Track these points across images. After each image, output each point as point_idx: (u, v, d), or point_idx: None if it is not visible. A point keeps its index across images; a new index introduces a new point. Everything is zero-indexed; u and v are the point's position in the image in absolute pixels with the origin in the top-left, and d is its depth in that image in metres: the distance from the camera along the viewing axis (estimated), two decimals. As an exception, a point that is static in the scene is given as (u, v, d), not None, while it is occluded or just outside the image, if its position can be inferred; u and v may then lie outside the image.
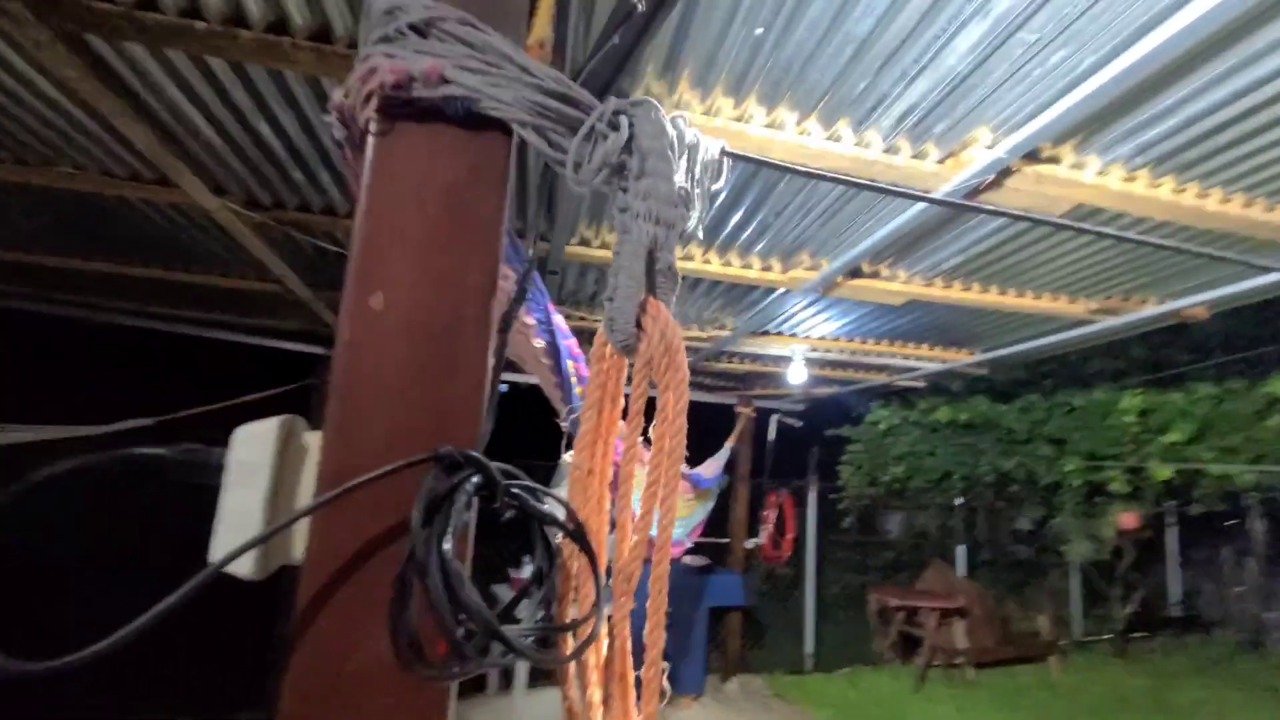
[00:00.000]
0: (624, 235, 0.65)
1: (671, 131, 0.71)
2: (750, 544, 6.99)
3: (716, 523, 7.20)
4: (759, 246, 3.17)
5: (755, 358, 5.41)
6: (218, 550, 0.58)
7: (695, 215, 0.71)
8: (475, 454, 0.58)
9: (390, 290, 0.64)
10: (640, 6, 1.03)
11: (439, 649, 0.57)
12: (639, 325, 0.65)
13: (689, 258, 3.29)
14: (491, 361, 0.65)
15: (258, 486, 0.59)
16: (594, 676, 0.64)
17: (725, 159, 0.76)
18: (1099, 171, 2.28)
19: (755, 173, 2.47)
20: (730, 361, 5.62)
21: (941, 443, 7.67)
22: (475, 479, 0.57)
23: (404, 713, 0.59)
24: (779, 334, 4.65)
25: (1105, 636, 8.13)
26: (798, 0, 1.65)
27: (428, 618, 0.54)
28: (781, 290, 3.59)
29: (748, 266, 3.38)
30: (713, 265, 3.33)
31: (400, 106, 0.66)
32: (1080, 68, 1.78)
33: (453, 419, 0.63)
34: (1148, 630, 8.18)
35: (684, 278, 3.57)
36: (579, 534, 0.64)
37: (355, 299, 0.64)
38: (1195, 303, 3.25)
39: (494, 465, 0.59)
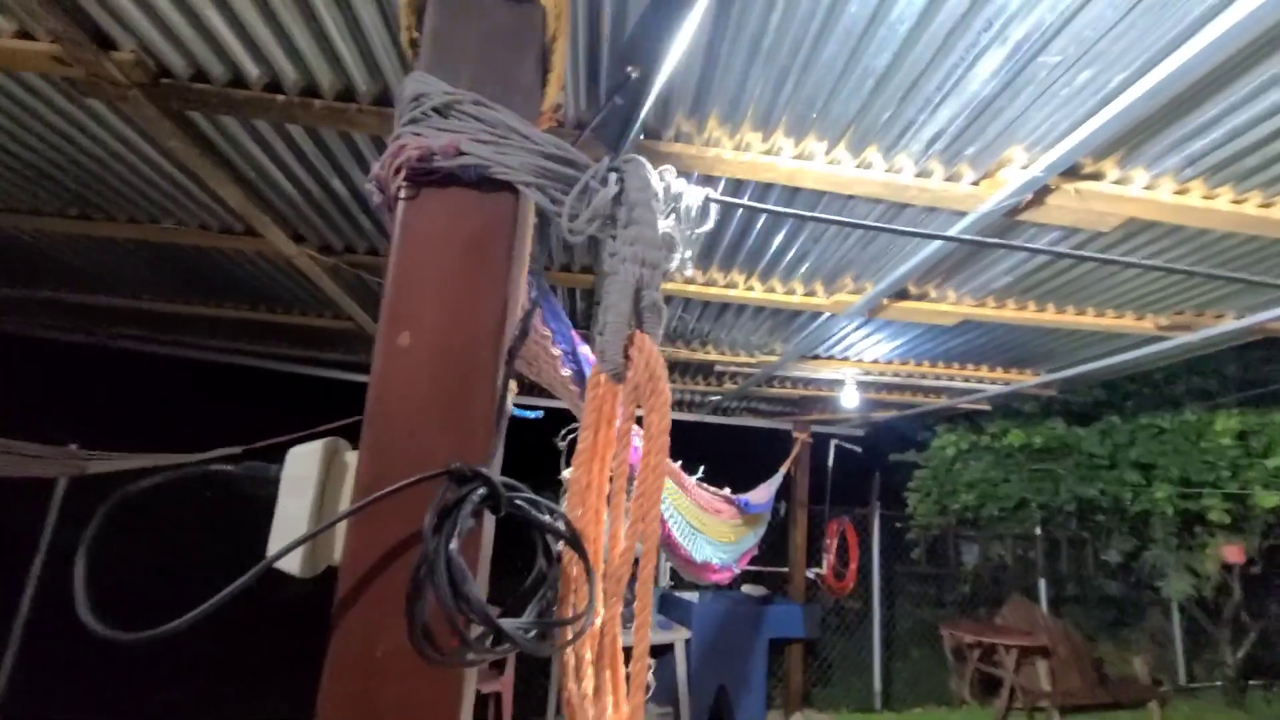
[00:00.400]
0: (613, 276, 0.74)
1: (658, 184, 0.80)
2: (811, 573, 6.82)
3: (775, 551, 7.09)
4: (801, 271, 3.20)
5: (808, 382, 5.37)
6: (272, 550, 0.69)
7: (680, 255, 0.79)
8: (482, 469, 0.67)
9: (415, 329, 0.75)
10: (634, 74, 1.14)
11: (451, 639, 0.66)
12: (626, 356, 0.74)
13: (731, 285, 3.36)
14: (501, 389, 0.75)
15: (305, 496, 0.70)
16: (588, 670, 0.72)
17: (710, 204, 0.84)
18: (1147, 185, 2.22)
19: (791, 199, 2.53)
20: (783, 386, 5.60)
21: (1015, 469, 7.30)
22: (481, 490, 0.66)
23: (425, 693, 0.68)
24: (830, 358, 4.61)
25: (1215, 683, 7.41)
26: (814, 40, 1.72)
27: (439, 611, 0.63)
28: (827, 315, 3.59)
29: (790, 292, 3.41)
30: (756, 292, 3.38)
31: (425, 175, 0.78)
32: (1110, 85, 1.77)
33: (467, 439, 0.73)
34: (1264, 677, 7.39)
35: (727, 305, 3.64)
36: (575, 541, 0.72)
37: (386, 337, 0.75)
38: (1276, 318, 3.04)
39: (499, 479, 0.68)
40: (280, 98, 2.04)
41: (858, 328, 3.94)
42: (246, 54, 1.89)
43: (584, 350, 1.39)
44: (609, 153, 0.74)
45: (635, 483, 0.73)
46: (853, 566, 7.06)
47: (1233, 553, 6.62)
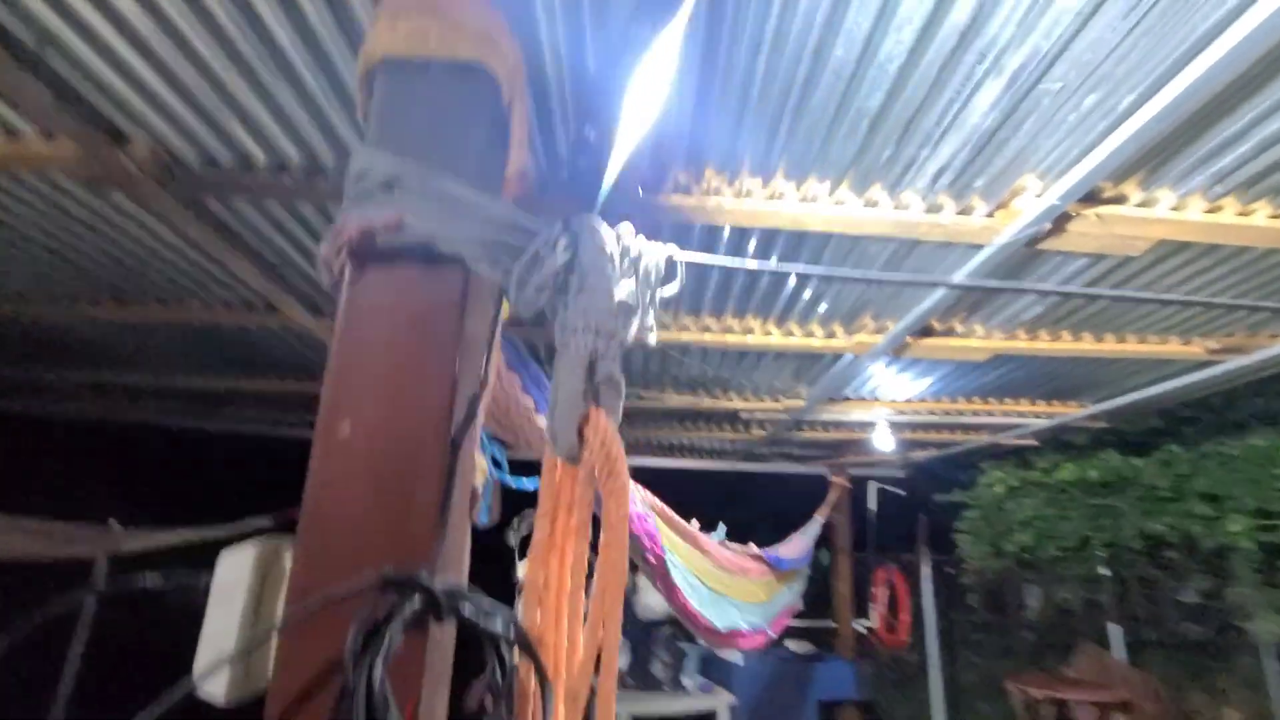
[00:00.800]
0: (563, 350, 0.68)
1: (614, 246, 0.75)
2: (860, 626, 6.45)
3: (820, 604, 6.73)
4: (818, 313, 3.12)
5: (840, 425, 5.19)
6: (197, 671, 0.63)
7: (642, 319, 0.74)
8: (418, 575, 0.61)
9: (356, 419, 0.70)
10: (591, 137, 1.12)
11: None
12: (582, 436, 0.67)
13: (748, 330, 3.29)
14: (446, 481, 0.68)
15: (234, 608, 0.64)
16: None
17: (677, 263, 0.78)
18: (1174, 205, 2.10)
19: (798, 242, 2.47)
20: (814, 430, 5.42)
21: (1072, 505, 6.86)
22: (417, 601, 0.59)
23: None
24: (860, 399, 4.46)
25: (1325, 736, 6.65)
26: (804, 85, 1.70)
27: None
28: (850, 356, 3.48)
29: (810, 335, 3.31)
30: (774, 337, 3.30)
31: (369, 254, 0.75)
32: (1119, 108, 1.69)
33: (408, 539, 0.67)
34: (1382, 729, 6.61)
35: (745, 351, 3.56)
36: (529, 650, 0.64)
37: (325, 427, 0.70)
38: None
39: (440, 584, 0.61)
40: (287, 179, 2.09)
41: (885, 367, 3.80)
42: (250, 139, 1.95)
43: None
44: (586, 214, 0.72)
45: (594, 579, 0.65)
46: (905, 617, 6.67)
47: (1328, 588, 6.04)
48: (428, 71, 0.83)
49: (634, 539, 1.46)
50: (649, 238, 0.95)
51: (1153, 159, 1.92)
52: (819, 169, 2.03)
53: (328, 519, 0.67)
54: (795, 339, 3.31)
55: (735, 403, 4.44)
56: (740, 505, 7.09)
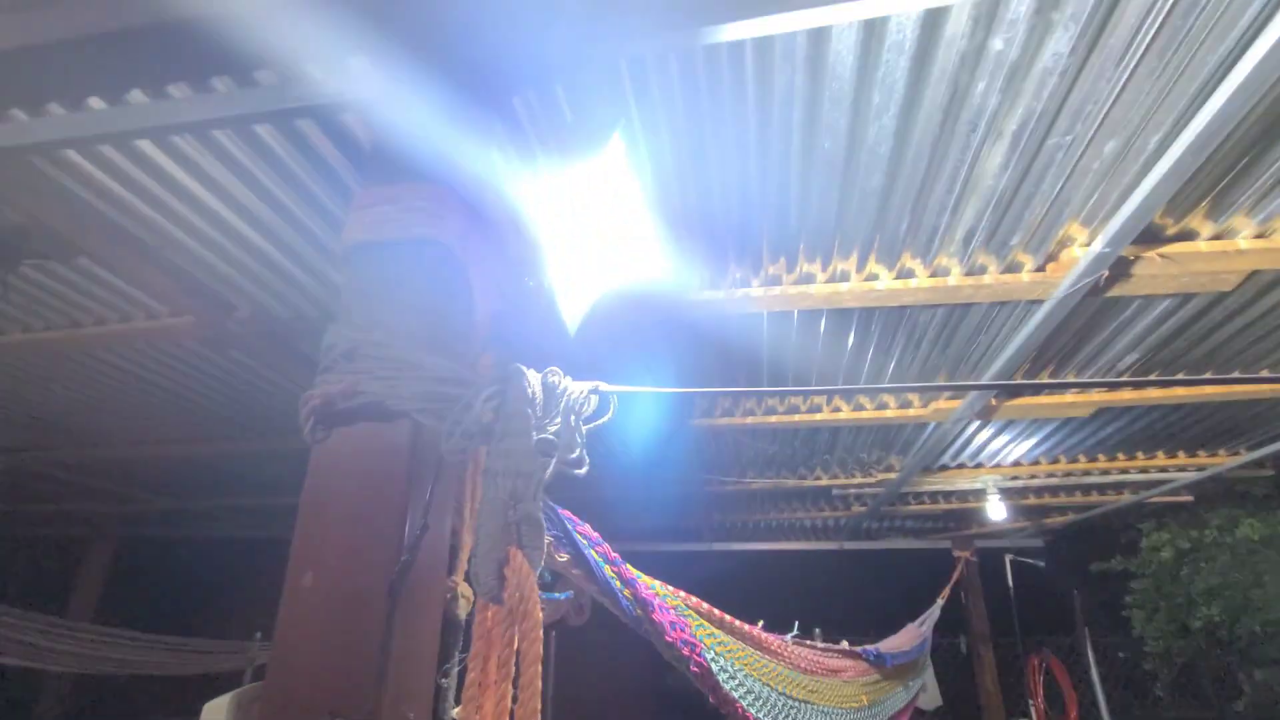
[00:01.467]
0: (486, 494, 0.74)
1: (539, 389, 0.81)
2: (1015, 726, 5.61)
3: (962, 703, 5.95)
4: (884, 382, 2.99)
5: (950, 495, 4.79)
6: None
7: (560, 457, 0.78)
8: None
9: (319, 569, 0.79)
10: (532, 283, 1.21)
11: None
12: (502, 576, 0.71)
13: (815, 409, 3.20)
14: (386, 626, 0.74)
15: (210, 756, 0.72)
16: None
17: (597, 395, 0.83)
18: (1258, 233, 1.88)
19: (841, 319, 2.44)
20: (921, 503, 5.03)
21: (1269, 567, 5.76)
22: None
23: None
24: (960, 466, 4.12)
25: None
26: (801, 175, 1.74)
27: None
28: (933, 424, 3.27)
29: (882, 406, 3.17)
30: (843, 413, 3.18)
31: (331, 417, 0.86)
32: (1149, 147, 1.58)
33: (354, 686, 0.72)
34: None
35: (816, 428, 3.44)
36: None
37: (292, 577, 0.79)
38: None
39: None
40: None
41: (978, 430, 3.52)
42: (327, 296, 2.27)
43: (584, 529, 1.34)
44: (515, 364, 0.77)
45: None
46: (1073, 714, 5.75)
47: None
48: (385, 250, 0.97)
49: (671, 649, 1.42)
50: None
51: (1211, 190, 1.75)
52: (841, 248, 2.03)
53: (291, 664, 0.74)
54: (868, 412, 3.17)
55: (823, 480, 4.25)
56: (856, 589, 6.56)
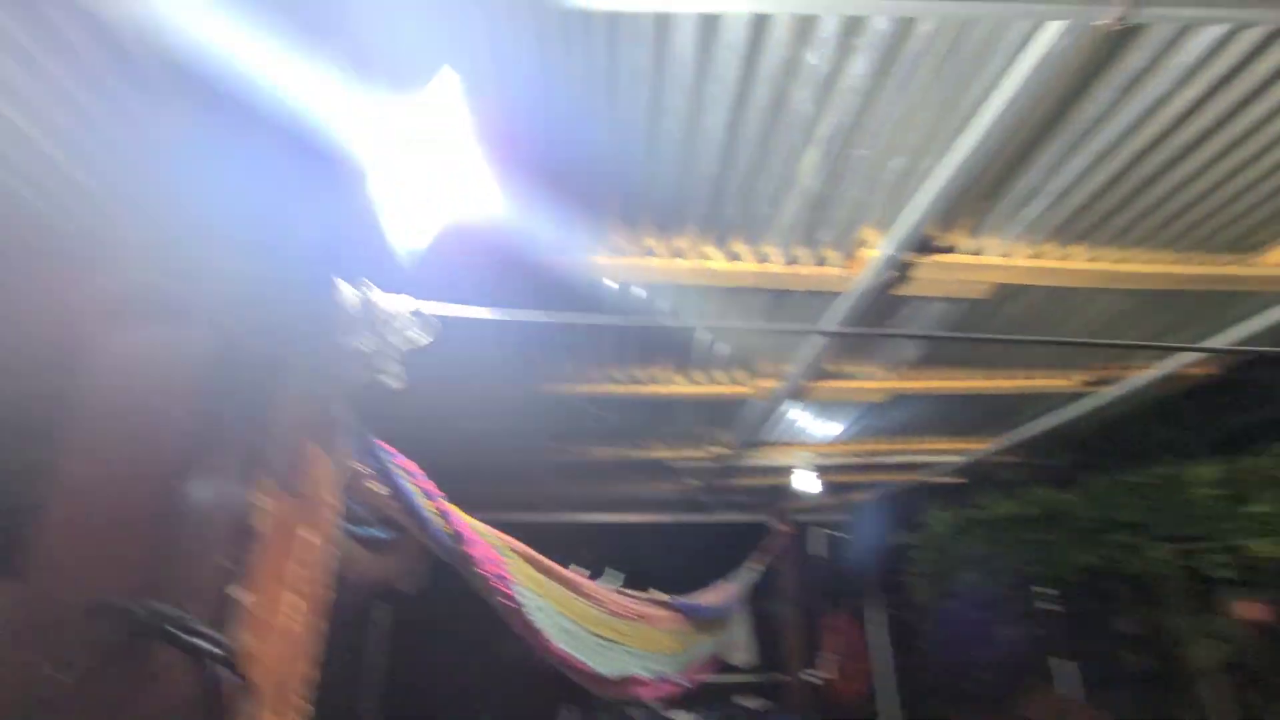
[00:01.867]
0: (289, 390, 0.78)
1: (351, 301, 0.86)
2: (811, 676, 6.36)
3: (776, 658, 6.64)
4: (720, 358, 3.27)
5: (769, 470, 5.30)
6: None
7: (376, 364, 0.84)
8: (122, 602, 0.67)
9: (93, 462, 0.77)
10: (358, 205, 1.25)
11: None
12: (298, 468, 0.76)
13: (654, 379, 3.41)
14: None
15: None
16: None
17: (431, 316, 0.90)
18: (1003, 252, 2.33)
19: (678, 294, 2.63)
20: (752, 477, 5.51)
21: (1012, 541, 7.03)
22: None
23: None
24: (782, 444, 4.59)
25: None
26: (646, 156, 1.88)
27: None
28: (758, 402, 3.62)
29: (715, 381, 3.45)
30: (679, 384, 3.42)
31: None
32: (920, 168, 1.92)
33: (126, 576, 0.73)
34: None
35: (660, 400, 3.68)
36: (232, 663, 0.70)
37: (66, 467, 0.77)
38: (1192, 362, 3.09)
39: (145, 608, 0.68)
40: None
41: (797, 410, 3.95)
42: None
43: (402, 461, 1.39)
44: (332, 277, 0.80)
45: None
46: (861, 666, 6.63)
47: (1251, 610, 6.24)
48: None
49: (481, 580, 1.50)
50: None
51: (969, 211, 2.15)
52: (677, 226, 2.21)
53: (54, 558, 0.73)
54: (701, 386, 3.44)
55: (660, 452, 4.52)
56: (687, 557, 7.04)
